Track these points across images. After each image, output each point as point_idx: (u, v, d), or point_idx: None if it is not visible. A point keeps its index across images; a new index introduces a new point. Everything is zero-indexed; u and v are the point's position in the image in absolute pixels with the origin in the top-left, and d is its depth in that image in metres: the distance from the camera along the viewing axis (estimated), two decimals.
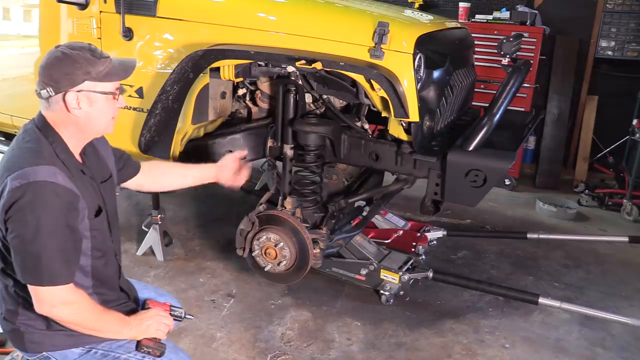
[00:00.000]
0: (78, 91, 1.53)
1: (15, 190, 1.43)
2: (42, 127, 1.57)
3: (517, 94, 2.91)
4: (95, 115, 1.58)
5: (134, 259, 3.39)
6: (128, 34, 2.69)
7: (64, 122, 1.57)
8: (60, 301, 1.49)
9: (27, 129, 1.60)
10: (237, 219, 2.82)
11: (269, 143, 2.82)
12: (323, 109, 2.84)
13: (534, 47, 4.72)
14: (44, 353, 1.63)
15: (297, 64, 2.36)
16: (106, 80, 1.57)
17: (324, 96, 2.76)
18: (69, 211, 1.49)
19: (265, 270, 2.75)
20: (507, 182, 2.42)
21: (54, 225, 1.45)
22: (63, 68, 1.51)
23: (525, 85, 4.60)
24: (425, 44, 2.44)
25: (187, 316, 1.85)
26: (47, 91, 1.52)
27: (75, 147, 1.62)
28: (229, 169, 2.18)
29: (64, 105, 1.54)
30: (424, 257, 3.34)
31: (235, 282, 3.20)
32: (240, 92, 2.92)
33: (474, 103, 3.54)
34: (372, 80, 2.32)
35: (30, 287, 1.48)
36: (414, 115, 2.36)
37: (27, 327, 1.60)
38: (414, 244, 3.34)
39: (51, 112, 1.56)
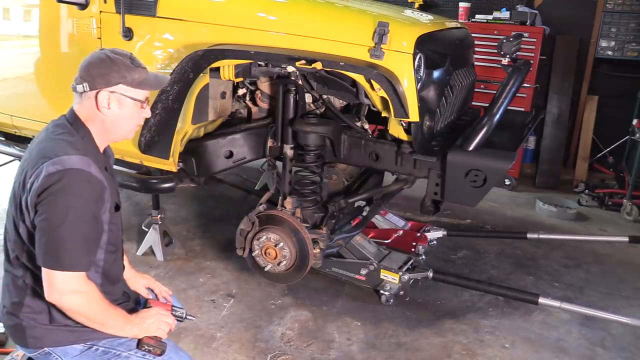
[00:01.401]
0: (111, 92, 1.62)
1: (51, 175, 1.49)
2: (73, 121, 1.65)
3: (517, 94, 2.91)
4: (122, 118, 1.67)
5: (134, 259, 3.39)
6: (128, 34, 2.69)
7: (93, 119, 1.65)
8: (73, 289, 1.51)
9: (58, 123, 1.67)
10: (237, 219, 2.83)
11: (269, 143, 2.83)
12: (323, 109, 2.84)
13: (534, 47, 4.73)
14: (45, 349, 1.64)
15: (297, 64, 2.36)
16: (139, 88, 1.65)
17: (324, 96, 2.76)
18: (97, 201, 1.56)
19: (265, 270, 2.76)
20: (507, 182, 2.42)
21: (83, 213, 1.51)
22: (102, 68, 1.60)
23: (525, 85, 4.60)
24: (425, 44, 2.44)
25: (188, 317, 1.85)
26: (83, 86, 1.61)
27: (100, 145, 1.70)
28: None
29: (94, 102, 1.62)
30: (424, 257, 3.34)
31: (235, 282, 3.20)
32: (240, 92, 2.92)
33: (474, 103, 3.54)
34: (372, 80, 2.32)
35: (46, 272, 1.50)
36: (414, 115, 2.36)
37: (30, 320, 1.62)
38: (414, 244, 3.34)
39: (82, 107, 1.64)
